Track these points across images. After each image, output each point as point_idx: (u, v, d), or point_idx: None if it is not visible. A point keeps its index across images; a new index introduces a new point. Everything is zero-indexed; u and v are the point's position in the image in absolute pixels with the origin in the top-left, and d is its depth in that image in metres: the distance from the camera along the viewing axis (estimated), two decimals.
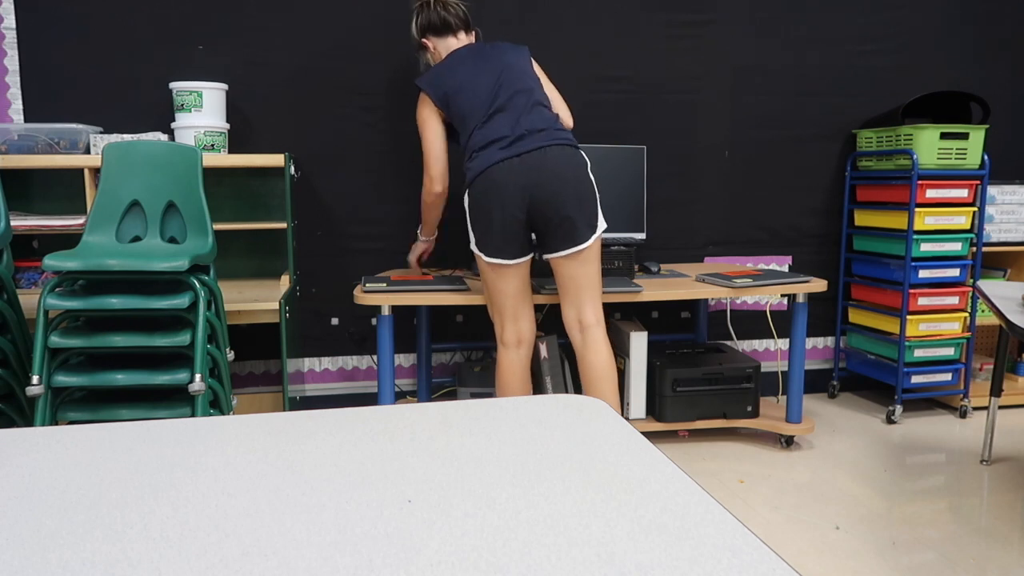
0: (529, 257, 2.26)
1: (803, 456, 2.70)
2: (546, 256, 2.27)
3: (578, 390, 2.89)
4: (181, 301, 1.92)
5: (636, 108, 3.12)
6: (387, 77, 2.92)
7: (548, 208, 2.17)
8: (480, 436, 0.85)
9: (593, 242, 2.22)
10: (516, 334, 2.30)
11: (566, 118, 2.41)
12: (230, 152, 2.80)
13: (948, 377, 3.08)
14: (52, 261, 1.84)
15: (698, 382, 2.74)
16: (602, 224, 2.25)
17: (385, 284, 2.43)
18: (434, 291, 2.39)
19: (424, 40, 2.45)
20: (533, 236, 2.28)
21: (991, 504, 2.30)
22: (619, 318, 3.11)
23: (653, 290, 2.50)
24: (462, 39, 2.42)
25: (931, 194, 2.96)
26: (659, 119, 3.15)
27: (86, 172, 2.48)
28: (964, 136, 2.98)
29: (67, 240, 2.75)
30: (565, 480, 0.72)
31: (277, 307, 2.39)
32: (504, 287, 2.25)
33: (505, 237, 2.18)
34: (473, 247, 2.25)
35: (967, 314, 3.06)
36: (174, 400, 2.02)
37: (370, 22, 2.89)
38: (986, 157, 3.01)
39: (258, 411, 2.98)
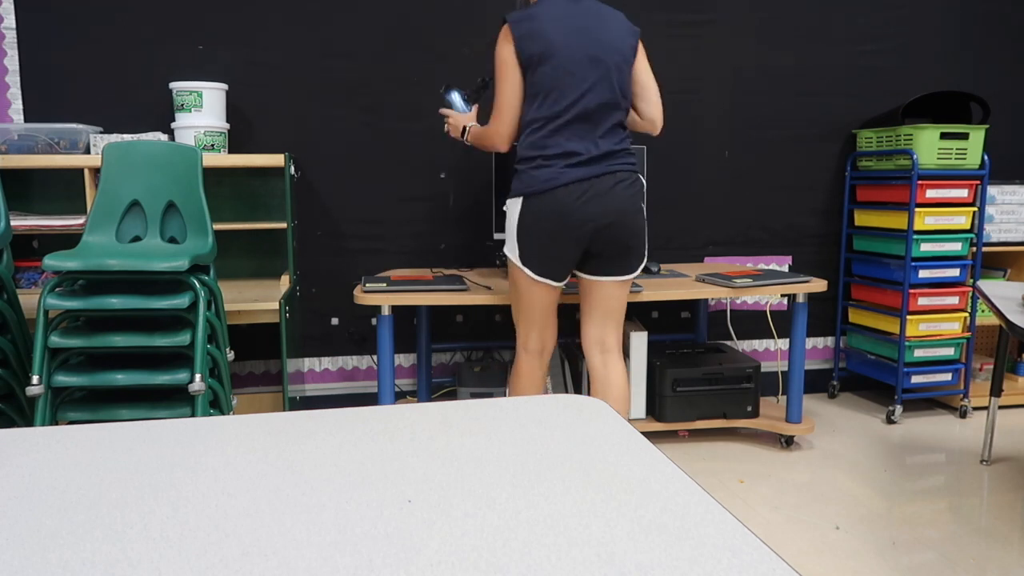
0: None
1: (803, 456, 2.70)
2: (587, 276, 2.17)
3: (578, 390, 2.89)
4: (181, 301, 1.92)
5: None
6: (387, 77, 2.92)
7: (609, 238, 2.07)
8: (480, 436, 0.85)
9: (639, 271, 2.19)
10: (541, 342, 2.21)
11: (656, 118, 2.19)
12: (230, 152, 2.80)
13: (948, 377, 3.08)
14: (52, 261, 1.84)
15: (698, 382, 2.74)
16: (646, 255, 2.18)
17: (385, 284, 2.43)
18: (434, 291, 2.39)
19: None
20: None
21: (991, 504, 2.30)
22: None
23: (653, 290, 2.49)
24: None
25: (931, 194, 2.96)
26: None
27: (86, 172, 2.48)
28: (964, 136, 2.98)
29: (67, 240, 2.75)
30: (565, 480, 0.72)
31: (277, 307, 2.39)
32: (540, 301, 2.15)
33: (559, 260, 2.07)
34: (515, 259, 2.10)
35: (967, 314, 3.06)
36: (174, 400, 2.02)
37: (370, 22, 2.88)
38: (986, 157, 3.01)
39: (258, 411, 2.98)
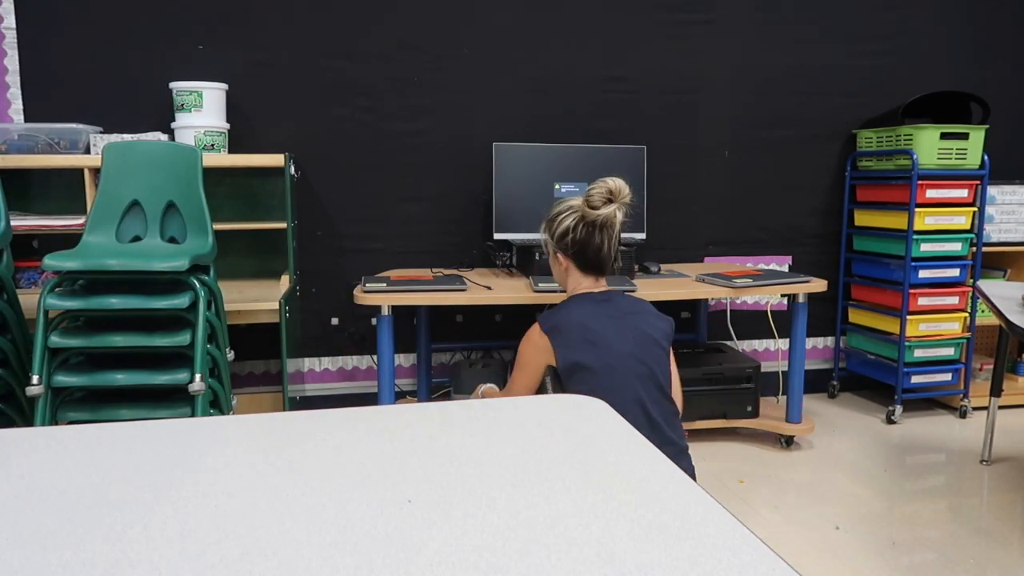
0: None
1: (803, 456, 2.70)
2: None
3: None
4: (181, 301, 1.92)
5: (636, 108, 3.12)
6: (387, 77, 2.92)
7: None
8: (480, 436, 0.85)
9: None
10: None
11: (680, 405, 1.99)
12: (230, 152, 2.80)
13: (948, 377, 3.08)
14: (52, 261, 1.84)
15: (698, 382, 2.74)
16: None
17: (385, 284, 2.43)
18: (434, 291, 2.39)
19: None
20: None
21: (991, 504, 2.30)
22: None
23: (653, 290, 2.49)
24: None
25: (931, 194, 2.96)
26: (659, 119, 3.15)
27: (86, 172, 2.48)
28: (964, 136, 2.98)
29: (67, 240, 2.74)
30: (565, 480, 0.72)
31: (277, 307, 2.39)
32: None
33: None
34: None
35: (967, 314, 3.06)
36: (174, 400, 2.02)
37: (370, 22, 2.88)
38: (986, 157, 3.01)
39: (258, 411, 2.98)
